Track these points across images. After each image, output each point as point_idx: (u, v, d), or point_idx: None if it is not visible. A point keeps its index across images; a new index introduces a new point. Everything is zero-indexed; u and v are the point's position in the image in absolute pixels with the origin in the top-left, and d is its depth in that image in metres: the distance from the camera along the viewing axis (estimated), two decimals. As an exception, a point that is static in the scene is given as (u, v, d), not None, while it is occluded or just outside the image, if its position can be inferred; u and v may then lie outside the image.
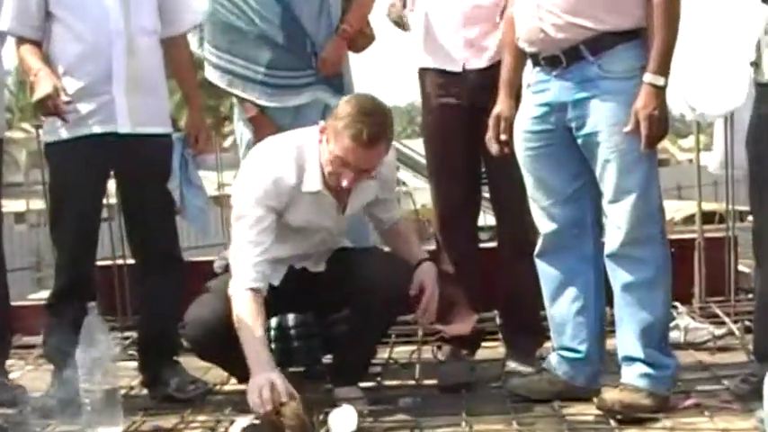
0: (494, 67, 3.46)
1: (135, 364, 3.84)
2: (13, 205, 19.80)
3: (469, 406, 3.32)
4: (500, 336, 3.89)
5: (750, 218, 3.36)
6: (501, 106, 3.32)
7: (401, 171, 10.11)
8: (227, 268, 3.26)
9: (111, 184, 3.69)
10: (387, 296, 3.24)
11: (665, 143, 4.89)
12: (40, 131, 3.87)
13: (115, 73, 3.47)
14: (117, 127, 3.49)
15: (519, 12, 3.20)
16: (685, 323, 4.07)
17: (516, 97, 3.32)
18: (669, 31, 2.98)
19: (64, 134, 3.48)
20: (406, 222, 3.62)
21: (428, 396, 3.49)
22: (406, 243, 3.49)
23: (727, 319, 4.20)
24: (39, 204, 6.60)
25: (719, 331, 4.03)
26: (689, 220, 10.36)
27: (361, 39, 3.91)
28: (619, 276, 3.13)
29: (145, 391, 3.69)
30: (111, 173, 3.62)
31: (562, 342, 3.32)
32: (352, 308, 3.37)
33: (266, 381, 2.95)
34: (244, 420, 3.12)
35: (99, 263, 3.91)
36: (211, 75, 3.84)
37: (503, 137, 3.30)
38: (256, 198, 3.17)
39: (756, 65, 3.15)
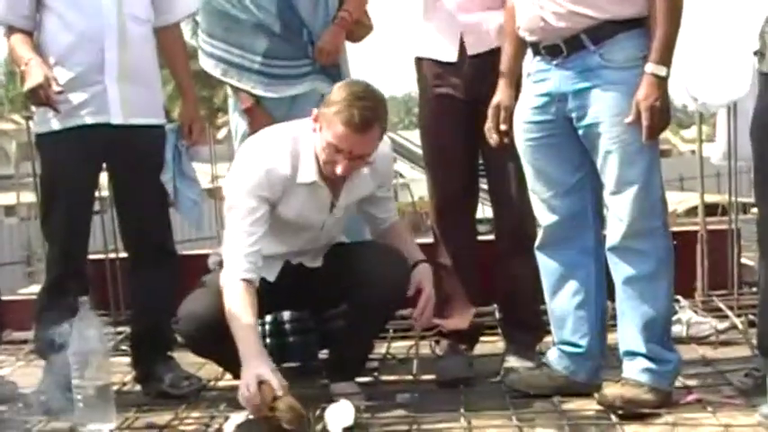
0: (491, 57, 3.43)
1: (128, 359, 3.81)
2: (2, 198, 19.82)
3: (468, 401, 3.30)
4: (499, 330, 3.85)
5: (754, 209, 3.34)
6: (501, 95, 3.29)
7: (398, 162, 10.09)
8: (221, 264, 3.22)
9: (104, 177, 3.66)
10: (384, 291, 3.21)
11: (666, 134, 4.87)
12: (31, 123, 3.83)
13: (107, 63, 3.44)
14: (110, 118, 3.46)
15: (519, 0, 3.16)
16: (688, 317, 4.05)
17: (516, 87, 3.29)
18: (672, 20, 2.95)
19: (55, 125, 3.44)
20: (402, 223, 3.59)
21: (426, 391, 3.47)
22: (402, 244, 3.44)
23: (730, 313, 4.18)
24: (29, 197, 6.57)
25: (722, 325, 4.02)
26: (691, 212, 10.38)
27: (359, 28, 3.88)
28: (620, 269, 3.11)
29: (138, 387, 3.66)
30: (104, 165, 3.58)
31: (562, 336, 3.30)
32: (349, 303, 3.34)
33: (257, 377, 2.92)
34: (238, 417, 3.10)
35: (91, 256, 3.88)
36: (206, 64, 3.80)
37: (503, 127, 3.28)
38: (249, 189, 3.14)
39: (761, 54, 3.11)
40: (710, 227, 4.70)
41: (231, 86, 3.82)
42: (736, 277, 4.50)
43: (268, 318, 3.66)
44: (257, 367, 2.95)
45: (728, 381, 3.34)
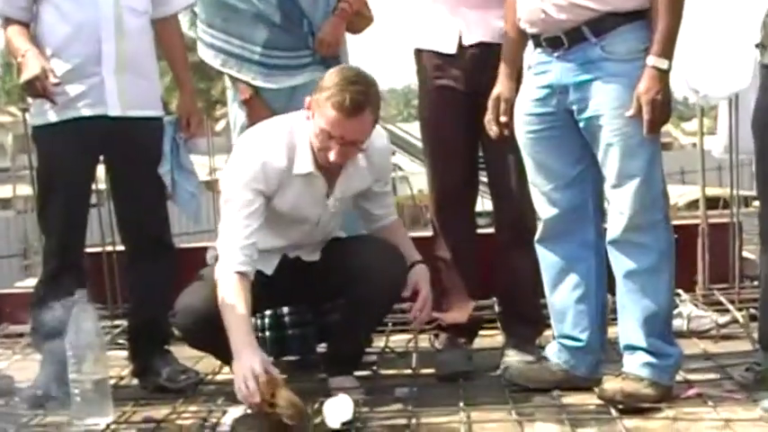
0: (491, 49, 3.41)
1: (125, 353, 3.80)
2: (-1, 191, 19.73)
3: (467, 395, 3.28)
4: (498, 324, 3.83)
5: (755, 203, 3.32)
6: (501, 87, 3.27)
7: (397, 155, 10.06)
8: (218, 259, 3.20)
9: (101, 169, 3.64)
10: (383, 285, 3.20)
11: (668, 126, 4.85)
12: (28, 115, 3.80)
13: (104, 54, 3.42)
14: (107, 110, 3.44)
15: (520, -8, 3.14)
16: (688, 311, 4.03)
17: (517, 79, 3.27)
18: (673, 12, 2.93)
19: (52, 117, 3.42)
20: (399, 222, 3.57)
21: (425, 385, 3.46)
22: (400, 243, 3.41)
23: (731, 307, 4.16)
24: (26, 190, 6.54)
25: (723, 319, 4.00)
26: (692, 205, 10.37)
27: (360, 20, 3.85)
28: (621, 263, 3.09)
29: (135, 381, 3.64)
30: (101, 157, 3.56)
31: (562, 330, 3.28)
32: (347, 296, 3.32)
33: (250, 370, 2.89)
34: (236, 410, 3.07)
35: (88, 250, 3.86)
36: (205, 54, 3.77)
37: (503, 119, 3.26)
38: (245, 181, 3.12)
39: (763, 46, 3.09)
40: (712, 220, 4.68)
41: (230, 77, 3.79)
42: (737, 271, 4.49)
43: (267, 312, 3.64)
44: (249, 359, 2.92)
45: (729, 375, 3.33)
